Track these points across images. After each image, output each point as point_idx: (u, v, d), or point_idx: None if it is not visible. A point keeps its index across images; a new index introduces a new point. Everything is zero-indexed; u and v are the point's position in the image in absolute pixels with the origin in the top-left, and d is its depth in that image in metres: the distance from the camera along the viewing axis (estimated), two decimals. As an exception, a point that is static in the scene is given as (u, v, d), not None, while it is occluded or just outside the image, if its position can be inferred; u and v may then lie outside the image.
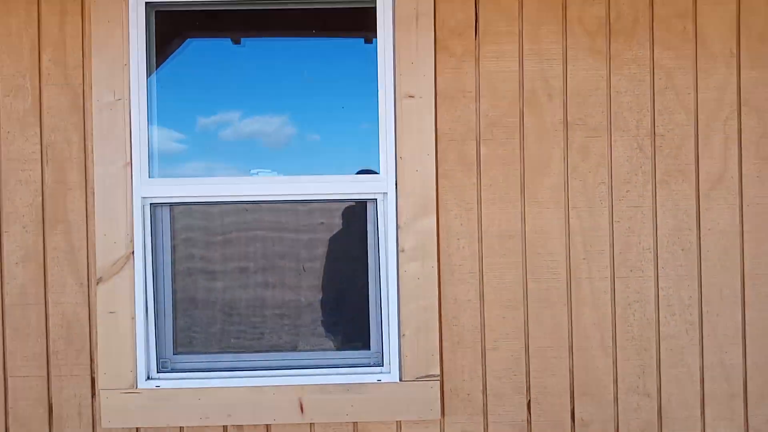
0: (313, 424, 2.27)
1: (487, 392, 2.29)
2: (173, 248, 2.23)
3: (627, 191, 2.30)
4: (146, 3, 2.25)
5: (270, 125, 2.40)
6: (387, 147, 2.26)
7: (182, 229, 2.32)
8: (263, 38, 2.44)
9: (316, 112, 2.41)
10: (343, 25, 2.43)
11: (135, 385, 2.17)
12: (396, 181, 2.26)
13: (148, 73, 2.27)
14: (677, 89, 2.32)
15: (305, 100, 2.41)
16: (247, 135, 2.38)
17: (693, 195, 2.32)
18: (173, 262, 2.22)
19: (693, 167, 2.32)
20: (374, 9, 2.28)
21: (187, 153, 2.36)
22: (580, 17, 2.31)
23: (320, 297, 2.37)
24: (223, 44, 2.44)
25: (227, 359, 2.29)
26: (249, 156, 2.38)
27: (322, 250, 2.36)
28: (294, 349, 2.35)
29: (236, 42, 2.42)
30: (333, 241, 2.36)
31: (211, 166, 2.35)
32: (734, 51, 2.33)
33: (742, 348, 2.32)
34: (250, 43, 2.43)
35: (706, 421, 2.32)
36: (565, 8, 2.31)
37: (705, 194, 2.31)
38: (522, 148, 2.30)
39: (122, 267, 2.21)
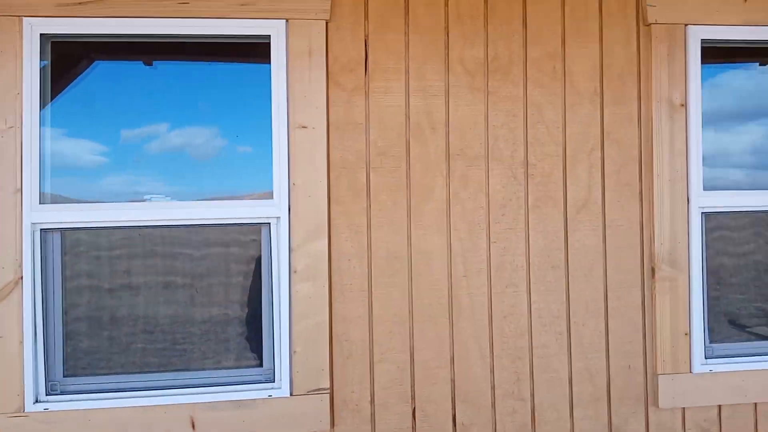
0: (205, 439, 2.30)
1: (375, 402, 2.37)
2: (64, 272, 2.22)
3: (503, 215, 2.44)
4: (41, 34, 2.24)
5: (177, 145, 2.44)
6: (280, 174, 2.33)
7: (73, 253, 2.31)
8: (174, 61, 2.46)
9: (223, 134, 2.46)
10: (252, 52, 2.47)
11: (22, 408, 2.12)
12: (289, 206, 2.32)
13: (44, 100, 2.28)
14: (548, 123, 2.48)
15: (214, 121, 2.46)
16: (152, 155, 2.40)
17: (561, 218, 2.47)
18: (64, 286, 2.21)
19: (561, 193, 2.48)
20: (269, 45, 2.33)
21: (91, 172, 2.35)
22: (461, 57, 2.45)
23: (213, 317, 2.40)
24: (131, 66, 2.44)
25: (118, 380, 2.25)
26: (151, 176, 2.40)
27: (215, 271, 2.39)
28: (187, 368, 2.36)
29: (148, 64, 2.43)
30: (227, 262, 2.39)
31: (113, 184, 2.36)
32: (598, 89, 2.51)
33: (605, 354, 2.48)
34: (162, 66, 2.44)
35: (574, 421, 2.47)
36: (447, 49, 2.44)
37: (572, 217, 2.47)
38: (408, 176, 2.41)
39: (10, 292, 2.19)
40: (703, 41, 2.61)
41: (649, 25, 2.55)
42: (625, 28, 2.56)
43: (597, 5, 2.54)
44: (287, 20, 2.37)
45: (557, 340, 2.48)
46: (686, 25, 2.56)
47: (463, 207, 2.45)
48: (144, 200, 2.35)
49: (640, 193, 2.55)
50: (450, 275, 2.44)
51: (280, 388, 2.33)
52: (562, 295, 2.50)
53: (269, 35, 2.37)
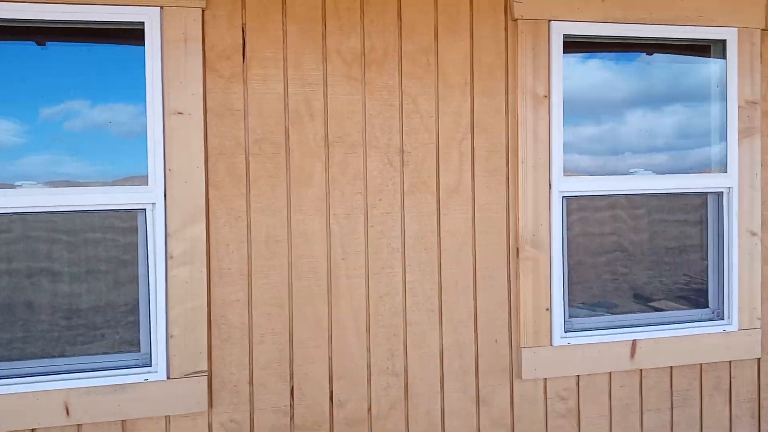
0: (81, 425, 2.35)
1: (254, 382, 2.49)
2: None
3: (379, 200, 2.60)
4: None
5: (57, 128, 2.42)
6: (156, 160, 2.39)
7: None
8: (64, 43, 2.44)
9: (103, 117, 2.48)
10: (133, 36, 2.49)
11: None
12: (165, 192, 2.38)
13: None
14: (422, 113, 2.65)
15: (95, 104, 2.47)
16: (30, 136, 2.38)
17: (434, 202, 2.66)
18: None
19: (434, 179, 2.67)
20: (143, 31, 2.38)
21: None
22: (338, 48, 2.57)
23: (90, 303, 2.43)
24: (20, 47, 2.40)
25: (-13, 368, 2.28)
26: (28, 158, 2.39)
27: (92, 258, 2.42)
28: (63, 354, 2.39)
29: (41, 44, 2.40)
30: (104, 248, 2.43)
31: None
32: (468, 81, 2.71)
33: (474, 329, 2.71)
34: (53, 47, 2.42)
35: (444, 393, 2.68)
36: (324, 39, 2.57)
37: (444, 202, 2.67)
38: (288, 162, 2.52)
39: None
40: (565, 36, 2.86)
41: (516, 20, 2.76)
42: (494, 23, 2.77)
43: (468, 1, 2.73)
44: (162, 7, 2.42)
45: (429, 318, 2.68)
46: (550, 20, 2.80)
47: (342, 192, 2.60)
48: (15, 186, 2.34)
49: (507, 178, 2.77)
50: (329, 258, 2.59)
51: (156, 371, 2.40)
52: (434, 275, 2.69)
53: (143, 22, 2.40)
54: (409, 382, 2.65)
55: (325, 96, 2.58)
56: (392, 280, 2.64)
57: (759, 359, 3.05)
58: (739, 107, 2.99)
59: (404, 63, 2.67)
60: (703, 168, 3.10)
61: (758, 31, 3.00)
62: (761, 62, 3.02)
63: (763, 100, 3.03)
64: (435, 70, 2.70)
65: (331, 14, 2.60)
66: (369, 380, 2.61)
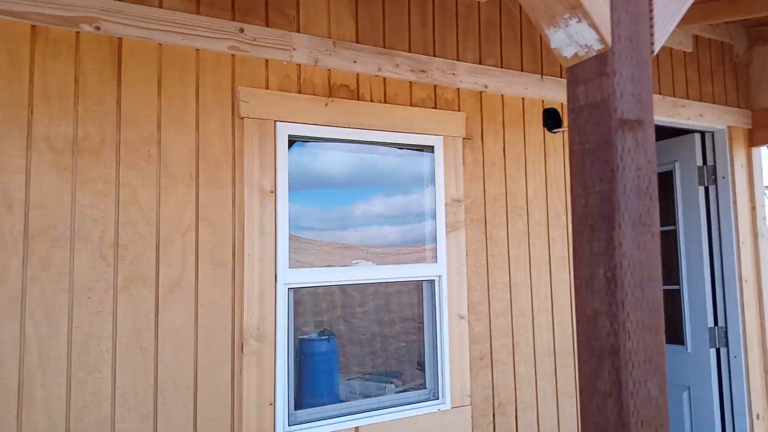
0: None
1: None
2: None
3: (88, 298, 2.37)
4: None
5: None
6: None
7: None
8: None
9: None
10: None
11: None
12: None
13: None
14: (141, 204, 2.51)
15: None
16: None
17: (152, 299, 2.50)
18: None
19: (153, 274, 2.51)
20: None
21: None
22: (47, 135, 2.37)
23: None
24: None
25: None
26: None
27: None
28: None
29: None
30: None
31: None
32: (193, 173, 2.63)
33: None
34: None
35: (158, 506, 2.44)
36: (30, 126, 2.35)
37: (164, 297, 2.52)
38: (-25, 259, 2.19)
39: None
40: (290, 135, 2.95)
41: (242, 118, 2.79)
42: (221, 119, 2.77)
43: (194, 96, 2.71)
44: None
45: (143, 425, 2.47)
46: (276, 121, 2.88)
47: (43, 290, 2.33)
48: None
49: (233, 271, 2.72)
50: (22, 367, 2.28)
51: None
52: (150, 376, 2.51)
53: None
54: (114, 499, 2.39)
55: (28, 186, 2.34)
56: (100, 386, 2.40)
57: (470, 433, 3.30)
58: (446, 204, 3.32)
59: (123, 153, 2.54)
60: (419, 257, 3.36)
61: (460, 139, 3.40)
62: (464, 165, 3.40)
63: (466, 197, 3.40)
64: (157, 161, 2.61)
65: (40, 100, 2.40)
66: (65, 503, 2.30)
